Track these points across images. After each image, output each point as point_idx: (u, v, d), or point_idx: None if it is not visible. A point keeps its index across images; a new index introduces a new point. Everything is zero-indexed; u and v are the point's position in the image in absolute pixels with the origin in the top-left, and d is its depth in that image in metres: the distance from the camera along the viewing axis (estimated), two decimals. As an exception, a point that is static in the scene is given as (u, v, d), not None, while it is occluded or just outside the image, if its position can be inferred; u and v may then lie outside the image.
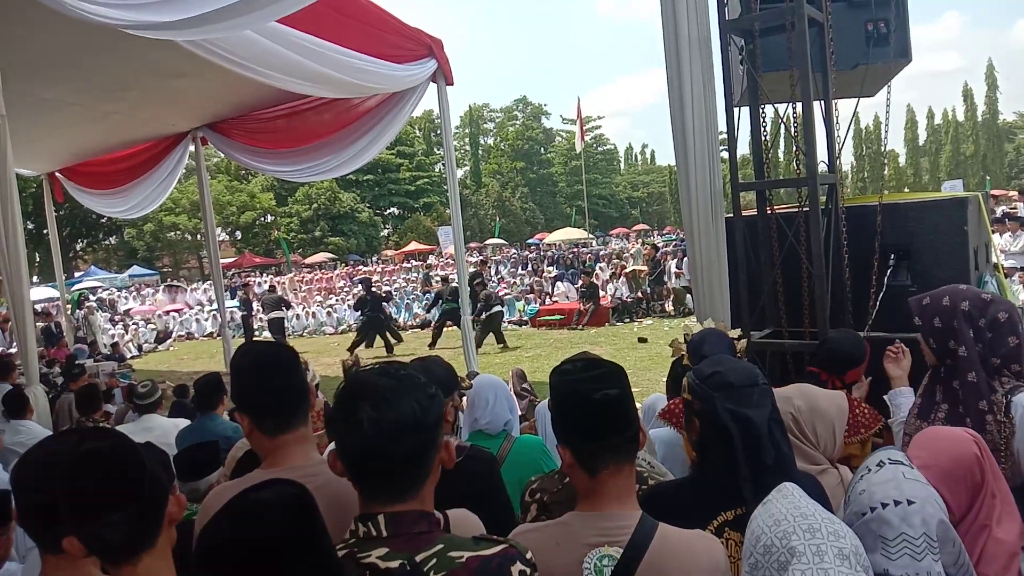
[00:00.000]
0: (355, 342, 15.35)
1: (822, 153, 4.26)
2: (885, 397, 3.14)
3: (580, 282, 18.61)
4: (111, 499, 1.43)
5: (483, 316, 14.53)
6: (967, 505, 1.91)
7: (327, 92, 8.39)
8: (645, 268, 18.82)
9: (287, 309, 18.32)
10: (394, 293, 21.99)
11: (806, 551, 1.43)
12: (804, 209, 4.13)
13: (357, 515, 1.47)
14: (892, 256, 4.06)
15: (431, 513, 1.48)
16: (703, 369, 2.00)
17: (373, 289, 16.29)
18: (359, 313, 16.02)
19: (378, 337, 15.71)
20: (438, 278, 22.79)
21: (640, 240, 36.62)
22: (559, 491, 2.14)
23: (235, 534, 1.22)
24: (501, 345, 14.70)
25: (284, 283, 31.23)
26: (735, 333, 4.02)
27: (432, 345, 15.03)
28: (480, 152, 75.70)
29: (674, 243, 24.30)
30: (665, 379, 3.68)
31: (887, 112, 4.29)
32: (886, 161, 66.95)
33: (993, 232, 4.76)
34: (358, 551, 1.40)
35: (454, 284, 14.86)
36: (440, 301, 15.81)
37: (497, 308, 15.24)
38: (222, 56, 6.32)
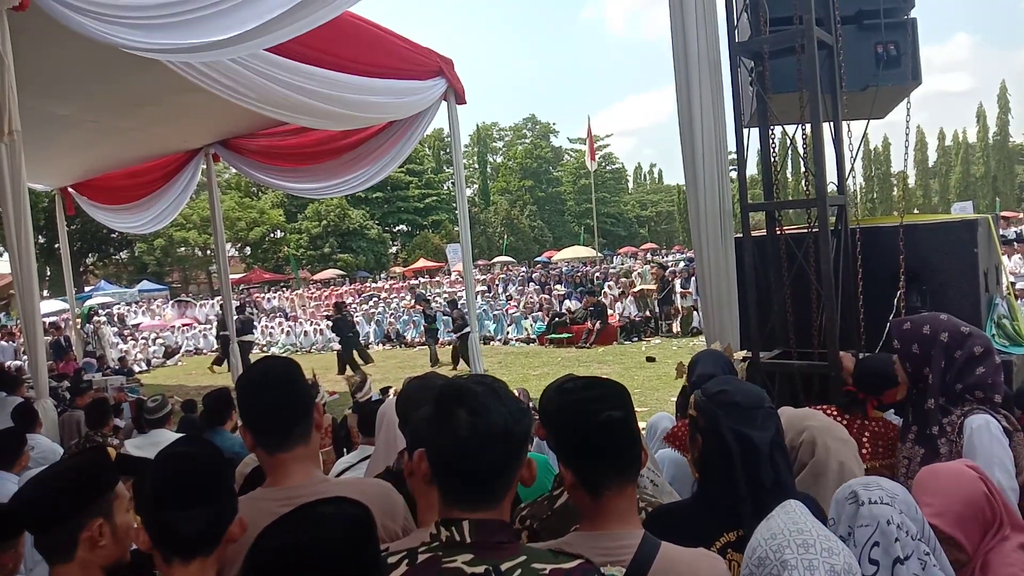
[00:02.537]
0: (351, 364, 15.52)
1: (831, 174, 4.27)
2: None
3: (584, 301, 18.63)
4: (196, 493, 1.62)
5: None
6: (981, 539, 1.94)
7: (336, 126, 8.52)
8: (654, 287, 18.81)
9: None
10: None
11: (798, 565, 1.45)
12: (814, 230, 4.13)
13: (440, 519, 1.47)
14: (903, 277, 4.06)
15: (510, 524, 1.51)
16: (711, 387, 2.01)
17: (343, 312, 16.80)
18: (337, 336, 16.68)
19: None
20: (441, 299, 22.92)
21: (648, 260, 36.63)
22: (548, 517, 2.12)
23: (293, 540, 1.24)
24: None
25: (293, 299, 31.32)
26: (740, 355, 4.01)
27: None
28: (489, 170, 75.99)
29: (680, 263, 24.27)
30: (675, 398, 3.68)
31: (906, 132, 4.29)
32: (895, 182, 66.84)
33: (1003, 254, 4.74)
34: (442, 555, 1.41)
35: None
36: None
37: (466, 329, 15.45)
38: (230, 94, 6.42)
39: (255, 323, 18.93)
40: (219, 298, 24.14)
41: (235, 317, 17.33)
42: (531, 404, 6.73)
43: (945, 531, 1.88)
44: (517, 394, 5.04)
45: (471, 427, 1.43)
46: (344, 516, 1.28)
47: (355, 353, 16.25)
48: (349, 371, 14.95)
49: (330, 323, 17.10)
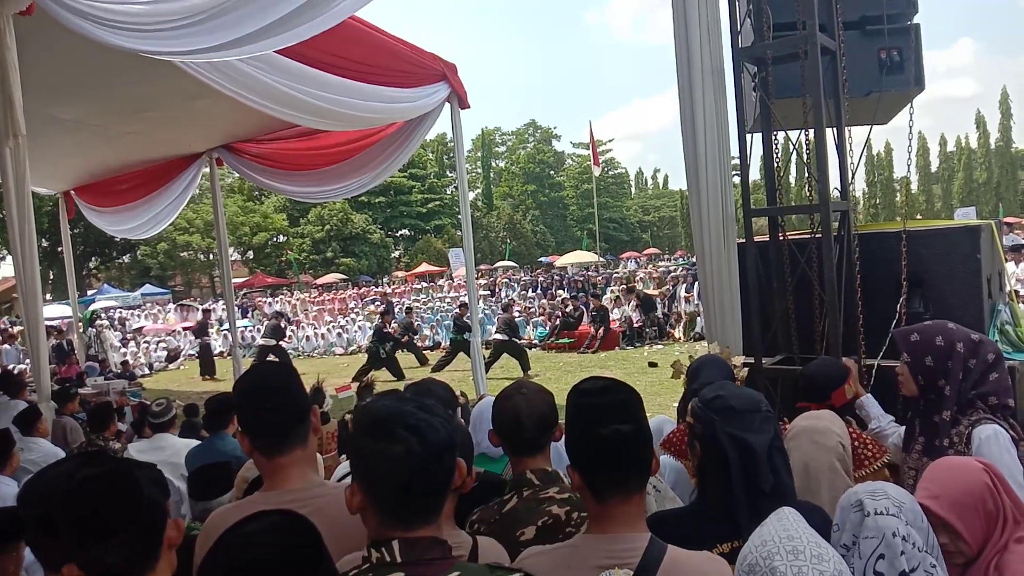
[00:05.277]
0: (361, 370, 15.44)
1: (834, 180, 4.27)
2: (856, 411, 3.27)
3: (592, 306, 18.63)
4: (107, 525, 1.45)
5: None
6: (984, 534, 1.92)
7: (339, 127, 8.53)
8: (657, 292, 18.83)
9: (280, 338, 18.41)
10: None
11: (787, 571, 1.44)
12: (817, 236, 4.12)
13: (370, 541, 1.46)
14: (905, 283, 4.05)
15: (444, 541, 1.48)
16: (706, 393, 2.01)
17: (381, 323, 16.51)
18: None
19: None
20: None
21: (650, 263, 36.66)
22: (496, 521, 2.14)
23: (228, 569, 1.22)
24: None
25: (295, 303, 31.32)
26: (739, 360, 4.01)
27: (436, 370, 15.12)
28: (491, 175, 76.09)
29: (679, 268, 24.26)
30: (677, 404, 3.68)
31: (909, 138, 4.29)
32: (897, 187, 66.78)
33: (1007, 260, 4.73)
34: None
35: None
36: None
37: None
38: (237, 93, 6.44)
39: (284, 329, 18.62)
40: (222, 301, 24.22)
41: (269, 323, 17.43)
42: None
43: (939, 513, 1.88)
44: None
45: (420, 446, 1.42)
46: (271, 529, 1.27)
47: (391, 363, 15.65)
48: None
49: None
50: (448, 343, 16.94)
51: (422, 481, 1.43)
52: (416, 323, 20.51)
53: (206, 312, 21.89)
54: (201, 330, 19.35)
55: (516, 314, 21.32)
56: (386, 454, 1.42)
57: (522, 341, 18.79)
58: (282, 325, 18.45)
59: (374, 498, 1.45)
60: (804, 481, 2.23)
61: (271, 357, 15.89)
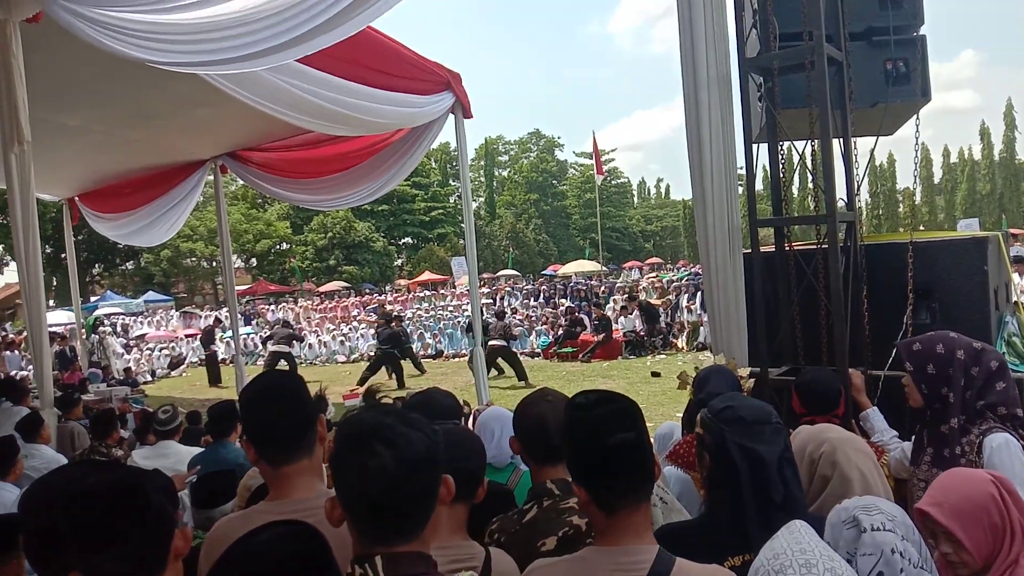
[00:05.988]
0: (365, 373, 15.38)
1: (840, 190, 4.25)
2: (860, 423, 3.31)
3: (594, 315, 18.62)
4: (114, 533, 1.42)
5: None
6: (991, 546, 1.90)
7: (345, 131, 8.53)
8: (660, 302, 18.81)
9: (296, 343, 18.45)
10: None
11: None
12: (823, 246, 4.11)
13: (353, 556, 1.44)
14: (912, 295, 4.04)
15: (429, 556, 1.47)
16: (716, 404, 2.01)
17: (392, 325, 16.43)
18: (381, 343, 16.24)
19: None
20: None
21: (653, 272, 36.67)
22: (516, 531, 2.14)
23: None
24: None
25: (298, 311, 31.31)
26: (744, 372, 4.00)
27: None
28: (494, 184, 76.21)
29: (687, 279, 24.22)
30: (680, 414, 3.66)
31: (916, 149, 4.29)
32: (900, 198, 66.78)
33: (1013, 272, 4.72)
34: None
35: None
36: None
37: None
38: (245, 96, 6.44)
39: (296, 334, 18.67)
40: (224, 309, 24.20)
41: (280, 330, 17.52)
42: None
43: (940, 521, 1.87)
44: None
45: (398, 461, 1.39)
46: (279, 540, 1.27)
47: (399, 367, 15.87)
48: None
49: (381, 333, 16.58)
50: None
51: (394, 497, 1.40)
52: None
53: (217, 320, 21.72)
54: (209, 338, 19.31)
55: (518, 322, 21.32)
56: (360, 469, 1.40)
57: (525, 350, 18.85)
58: (294, 331, 18.50)
59: (349, 512, 1.43)
60: (864, 487, 2.23)
61: (283, 363, 15.93)
